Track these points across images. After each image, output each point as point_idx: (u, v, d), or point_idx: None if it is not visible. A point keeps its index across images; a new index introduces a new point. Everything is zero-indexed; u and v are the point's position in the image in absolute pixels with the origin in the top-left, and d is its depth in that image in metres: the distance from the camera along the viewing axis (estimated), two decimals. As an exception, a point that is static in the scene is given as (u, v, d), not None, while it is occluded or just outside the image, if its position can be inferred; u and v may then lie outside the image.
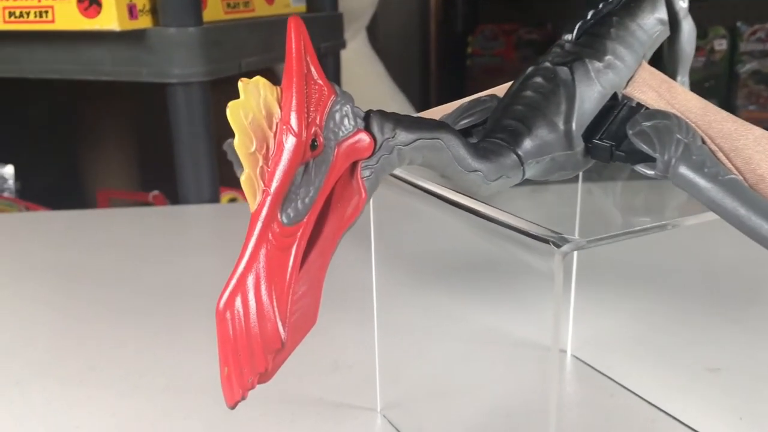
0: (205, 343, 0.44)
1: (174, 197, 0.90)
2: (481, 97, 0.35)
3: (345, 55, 1.21)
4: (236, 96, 0.24)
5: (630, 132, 0.28)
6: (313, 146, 0.24)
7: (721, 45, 1.71)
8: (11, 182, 1.35)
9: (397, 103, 1.42)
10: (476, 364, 0.44)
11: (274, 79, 0.23)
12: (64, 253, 0.65)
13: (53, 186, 1.28)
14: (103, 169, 1.36)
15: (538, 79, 0.30)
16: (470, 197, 0.29)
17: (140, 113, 1.25)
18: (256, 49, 0.90)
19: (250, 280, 0.24)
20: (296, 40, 0.24)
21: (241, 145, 0.24)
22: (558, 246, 0.24)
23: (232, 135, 0.24)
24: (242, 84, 0.24)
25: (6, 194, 1.32)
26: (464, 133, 0.34)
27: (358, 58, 1.41)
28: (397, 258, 0.57)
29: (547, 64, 0.31)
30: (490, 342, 0.46)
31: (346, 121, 0.25)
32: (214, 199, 0.84)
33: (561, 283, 0.24)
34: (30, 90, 1.05)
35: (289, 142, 0.24)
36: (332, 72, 1.15)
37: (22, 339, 0.49)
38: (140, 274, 0.60)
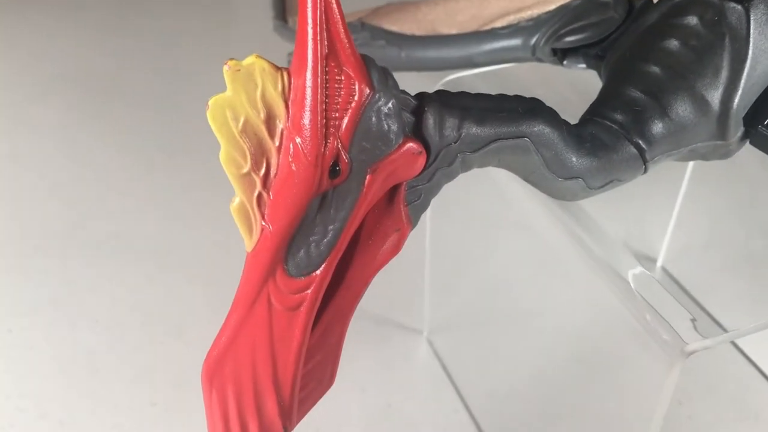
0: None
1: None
2: (600, -2, 0.24)
3: None
4: None
5: None
6: (334, 172, 0.16)
7: None
8: None
9: None
10: (545, 285, 0.37)
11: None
12: (105, 48, 0.58)
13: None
14: None
15: (692, 21, 0.20)
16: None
17: None
18: None
19: (245, 345, 0.18)
20: (313, 1, 0.15)
21: (229, 161, 0.16)
22: (686, 342, 0.17)
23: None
24: (229, 70, 0.16)
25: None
26: (568, 54, 0.25)
27: None
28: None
29: None
30: (569, 258, 0.38)
31: (385, 127, 0.16)
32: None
33: (673, 385, 0.17)
34: None
35: (298, 166, 0.16)
36: None
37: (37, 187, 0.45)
38: (189, 90, 0.53)
